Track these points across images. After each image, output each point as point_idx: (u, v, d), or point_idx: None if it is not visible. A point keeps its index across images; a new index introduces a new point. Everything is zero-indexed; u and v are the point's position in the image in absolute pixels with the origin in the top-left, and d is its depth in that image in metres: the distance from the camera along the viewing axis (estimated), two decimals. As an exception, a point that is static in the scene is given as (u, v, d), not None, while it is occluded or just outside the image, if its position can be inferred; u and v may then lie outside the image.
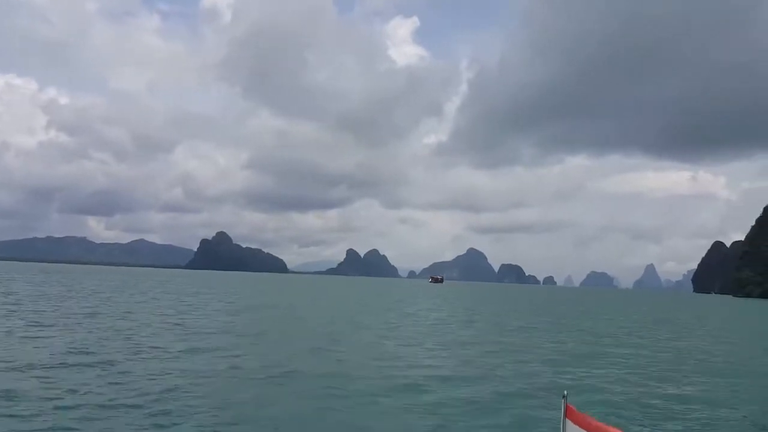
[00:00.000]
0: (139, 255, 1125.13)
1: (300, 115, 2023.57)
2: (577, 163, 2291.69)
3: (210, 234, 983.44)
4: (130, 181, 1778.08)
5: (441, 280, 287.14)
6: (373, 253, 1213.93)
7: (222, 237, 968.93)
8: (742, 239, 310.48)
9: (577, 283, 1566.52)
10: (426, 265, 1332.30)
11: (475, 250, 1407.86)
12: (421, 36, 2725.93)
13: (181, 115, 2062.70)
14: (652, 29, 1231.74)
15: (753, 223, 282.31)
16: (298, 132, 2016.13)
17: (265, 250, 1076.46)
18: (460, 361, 22.19)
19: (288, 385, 15.98)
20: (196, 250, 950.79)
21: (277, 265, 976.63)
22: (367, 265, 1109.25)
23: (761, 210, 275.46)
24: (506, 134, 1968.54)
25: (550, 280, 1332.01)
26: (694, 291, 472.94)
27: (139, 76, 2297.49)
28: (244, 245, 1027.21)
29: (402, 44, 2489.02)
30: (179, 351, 20.90)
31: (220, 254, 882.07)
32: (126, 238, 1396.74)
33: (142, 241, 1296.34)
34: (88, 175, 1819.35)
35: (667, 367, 23.25)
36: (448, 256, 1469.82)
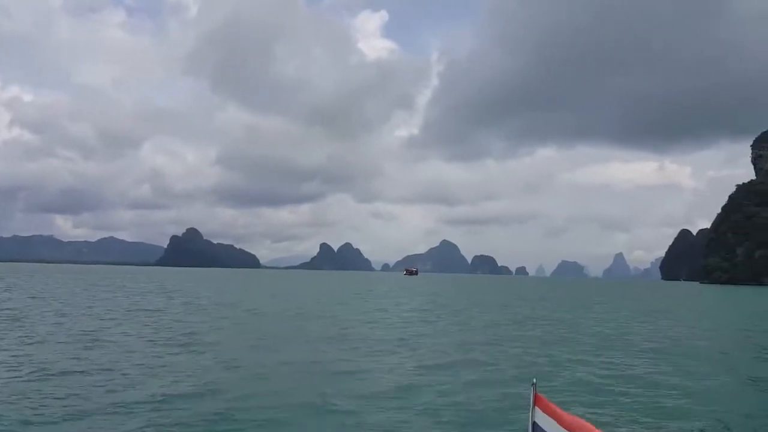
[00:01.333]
0: (108, 253, 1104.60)
1: (270, 108, 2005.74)
2: (547, 155, 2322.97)
3: (181, 231, 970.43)
4: (97, 179, 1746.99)
5: (416, 273, 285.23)
6: (347, 247, 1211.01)
7: (192, 233, 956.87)
8: (708, 227, 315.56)
9: (548, 272, 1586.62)
10: (399, 258, 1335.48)
11: (448, 242, 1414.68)
12: (390, 30, 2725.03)
13: (148, 110, 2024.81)
14: (620, 23, 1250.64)
15: (719, 210, 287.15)
16: (268, 126, 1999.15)
17: (237, 246, 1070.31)
18: (430, 350, 22.35)
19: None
20: (166, 247, 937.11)
21: (249, 261, 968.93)
22: (340, 259, 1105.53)
23: (726, 198, 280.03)
24: (477, 127, 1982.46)
25: (522, 271, 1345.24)
26: (662, 278, 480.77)
27: (104, 72, 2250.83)
28: (215, 241, 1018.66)
29: (371, 38, 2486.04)
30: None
31: (190, 251, 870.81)
32: (95, 236, 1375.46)
33: (111, 238, 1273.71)
34: (54, 172, 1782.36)
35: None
36: (422, 248, 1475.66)
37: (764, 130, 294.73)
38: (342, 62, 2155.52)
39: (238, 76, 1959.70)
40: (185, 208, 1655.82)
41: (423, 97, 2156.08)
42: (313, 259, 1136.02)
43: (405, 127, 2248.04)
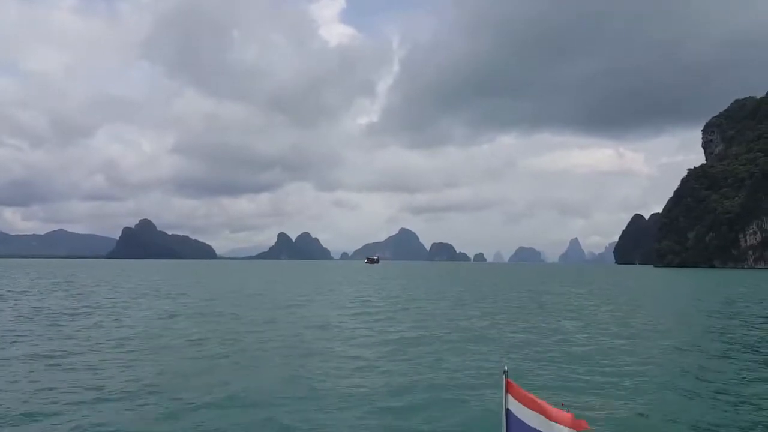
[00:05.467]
0: (58, 246, 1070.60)
1: (229, 95, 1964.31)
2: (508, 141, 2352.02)
3: (135, 222, 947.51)
4: (48, 169, 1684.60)
5: (377, 261, 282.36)
6: (305, 237, 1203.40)
7: (146, 225, 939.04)
8: (661, 212, 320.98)
9: (506, 258, 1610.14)
10: (359, 247, 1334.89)
11: (407, 230, 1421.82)
12: (349, 16, 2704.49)
13: (101, 96, 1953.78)
14: (578, 10, 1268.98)
15: (670, 195, 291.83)
16: (227, 113, 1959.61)
17: (194, 237, 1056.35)
18: (396, 339, 22.75)
19: None
20: (118, 239, 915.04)
21: (205, 252, 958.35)
22: (299, 249, 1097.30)
23: (678, 183, 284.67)
24: (438, 114, 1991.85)
25: (480, 257, 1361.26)
26: (615, 262, 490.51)
27: (55, 57, 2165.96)
28: (171, 232, 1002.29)
29: (331, 24, 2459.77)
30: None
31: (144, 242, 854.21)
32: (44, 229, 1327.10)
33: (61, 231, 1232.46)
34: (1, 163, 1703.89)
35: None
36: (381, 236, 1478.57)
37: (714, 115, 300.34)
38: (303, 49, 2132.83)
39: (196, 62, 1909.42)
40: (141, 198, 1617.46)
41: (384, 84, 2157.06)
42: (270, 249, 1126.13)
43: (366, 115, 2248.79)
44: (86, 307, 35.16)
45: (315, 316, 30.82)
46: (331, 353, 19.16)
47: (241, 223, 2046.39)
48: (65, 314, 30.61)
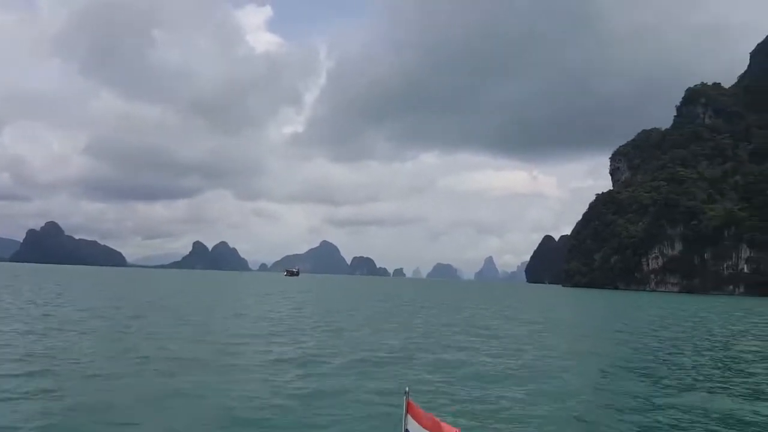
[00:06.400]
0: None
1: (147, 97, 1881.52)
2: (430, 159, 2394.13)
3: (41, 224, 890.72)
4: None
5: (297, 273, 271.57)
6: (222, 246, 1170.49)
7: (51, 227, 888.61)
8: (570, 234, 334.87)
9: (424, 274, 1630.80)
10: (278, 258, 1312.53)
11: (329, 242, 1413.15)
12: (276, 25, 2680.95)
13: (9, 92, 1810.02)
14: (504, 35, 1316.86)
15: (579, 218, 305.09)
16: (145, 115, 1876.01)
17: (104, 242, 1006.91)
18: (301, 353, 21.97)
19: None
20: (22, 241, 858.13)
21: (114, 258, 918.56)
22: (215, 259, 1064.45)
23: (586, 207, 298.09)
24: (363, 127, 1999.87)
25: (399, 272, 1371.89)
26: (527, 281, 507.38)
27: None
28: (79, 237, 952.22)
29: (257, 31, 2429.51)
30: None
31: (49, 246, 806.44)
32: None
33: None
34: None
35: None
36: (302, 248, 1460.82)
37: (621, 144, 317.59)
38: (227, 54, 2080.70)
39: (114, 61, 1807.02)
40: (49, 200, 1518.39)
41: (311, 95, 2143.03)
42: (185, 258, 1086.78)
43: (291, 124, 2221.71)
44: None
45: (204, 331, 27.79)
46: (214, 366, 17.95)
47: (155, 230, 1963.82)
48: None
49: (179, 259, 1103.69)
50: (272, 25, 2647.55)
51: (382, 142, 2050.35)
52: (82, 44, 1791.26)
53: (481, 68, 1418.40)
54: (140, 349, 21.58)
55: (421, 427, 4.22)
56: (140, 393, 14.58)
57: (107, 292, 67.50)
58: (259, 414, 12.93)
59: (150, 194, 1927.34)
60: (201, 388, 15.12)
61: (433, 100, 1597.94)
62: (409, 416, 4.36)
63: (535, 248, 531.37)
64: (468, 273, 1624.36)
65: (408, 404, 4.38)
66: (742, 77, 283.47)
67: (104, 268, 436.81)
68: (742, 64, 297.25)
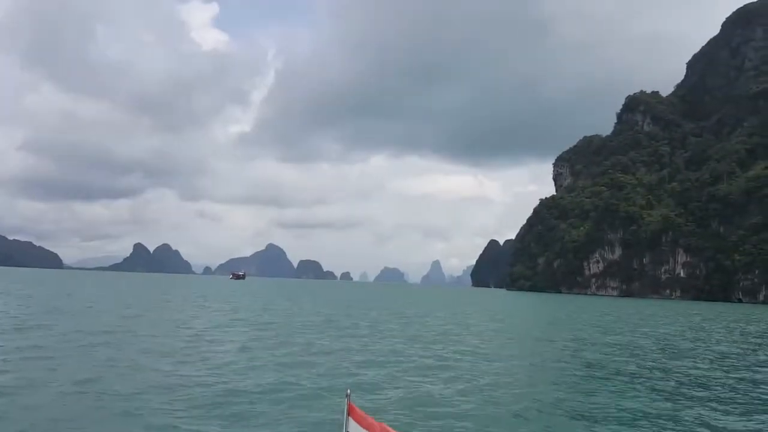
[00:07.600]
0: None
1: (88, 92, 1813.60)
2: (378, 162, 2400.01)
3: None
4: None
5: (243, 277, 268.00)
6: (165, 248, 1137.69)
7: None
8: (514, 238, 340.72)
9: (371, 278, 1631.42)
10: (223, 261, 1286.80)
11: (275, 245, 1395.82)
12: (223, 23, 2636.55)
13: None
14: (452, 40, 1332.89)
15: (523, 222, 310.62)
16: (85, 111, 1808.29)
17: (39, 244, 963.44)
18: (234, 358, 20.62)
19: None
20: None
21: (50, 261, 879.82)
22: (157, 261, 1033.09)
23: (530, 211, 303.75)
24: (312, 129, 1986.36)
25: (347, 276, 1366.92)
26: (472, 285, 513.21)
27: None
28: (13, 237, 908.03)
29: (203, 28, 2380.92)
30: None
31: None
32: None
33: None
34: None
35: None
36: (247, 251, 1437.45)
37: (564, 150, 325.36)
38: (172, 50, 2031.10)
39: (54, 54, 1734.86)
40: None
41: (258, 94, 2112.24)
42: (125, 260, 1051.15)
43: (238, 124, 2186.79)
44: None
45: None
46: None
47: (94, 231, 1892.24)
48: None
49: (119, 261, 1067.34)
50: (219, 23, 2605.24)
51: (331, 143, 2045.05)
52: (23, 37, 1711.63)
53: (427, 73, 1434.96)
54: None
55: (363, 429, 4.19)
56: None
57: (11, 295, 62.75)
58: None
59: (89, 193, 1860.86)
60: None
61: (382, 104, 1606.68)
62: (350, 419, 4.32)
63: (481, 252, 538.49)
64: (415, 277, 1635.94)
65: (349, 406, 4.34)
66: (679, 86, 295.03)
67: (36, 270, 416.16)
68: (679, 73, 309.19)
